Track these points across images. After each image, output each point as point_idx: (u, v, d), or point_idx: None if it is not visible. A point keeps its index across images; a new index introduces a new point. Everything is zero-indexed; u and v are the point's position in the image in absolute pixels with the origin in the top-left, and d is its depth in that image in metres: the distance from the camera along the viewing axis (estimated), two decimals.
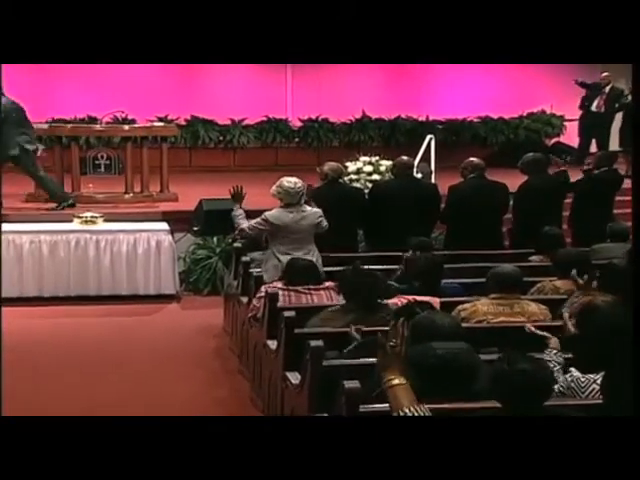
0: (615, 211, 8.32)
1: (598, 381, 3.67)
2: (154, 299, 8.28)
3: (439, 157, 10.51)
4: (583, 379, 3.81)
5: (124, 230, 8.37)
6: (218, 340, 7.31)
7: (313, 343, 4.42)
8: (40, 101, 11.00)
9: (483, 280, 5.32)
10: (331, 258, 6.68)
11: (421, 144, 10.45)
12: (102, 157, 9.67)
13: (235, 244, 7.57)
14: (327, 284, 5.78)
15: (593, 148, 12.35)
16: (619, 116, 12.32)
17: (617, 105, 12.23)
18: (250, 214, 6.85)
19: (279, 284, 5.83)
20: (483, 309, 5.04)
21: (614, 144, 12.15)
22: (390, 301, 5.14)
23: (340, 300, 5.22)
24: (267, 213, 6.60)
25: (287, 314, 5.06)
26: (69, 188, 9.55)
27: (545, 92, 13.64)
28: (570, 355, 4.14)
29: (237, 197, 6.89)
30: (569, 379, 3.87)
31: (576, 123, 13.03)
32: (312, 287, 5.74)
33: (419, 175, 9.28)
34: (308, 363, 4.43)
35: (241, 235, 6.93)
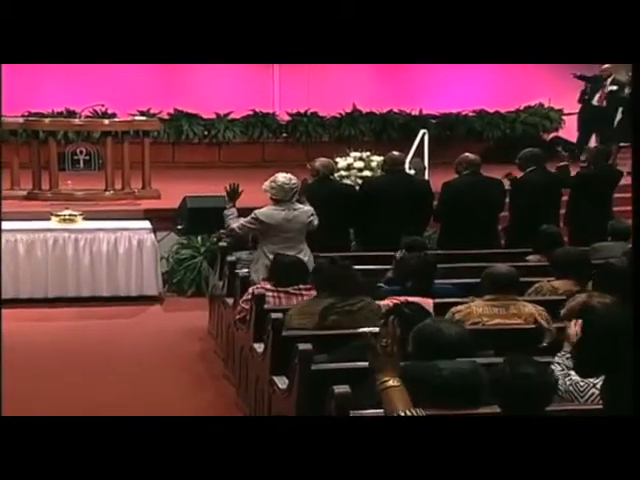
0: (615, 209, 8.35)
1: (597, 385, 3.68)
2: (136, 301, 8.27)
3: (433, 152, 10.53)
4: (582, 383, 3.83)
5: (104, 229, 8.35)
6: (203, 343, 7.30)
7: (301, 346, 4.43)
8: (16, 94, 10.96)
9: (478, 280, 5.34)
10: (322, 258, 6.69)
11: (414, 139, 10.46)
12: (81, 152, 9.66)
13: (220, 243, 7.57)
14: None
15: (593, 143, 12.39)
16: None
17: (614, 98, 12.29)
18: (237, 212, 6.85)
19: (268, 285, 5.83)
20: (478, 311, 5.05)
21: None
22: (381, 302, 5.16)
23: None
24: (257, 211, 6.60)
25: (274, 316, 5.06)
26: (46, 185, 9.54)
27: (543, 85, 13.68)
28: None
29: (232, 195, 6.89)
30: (568, 383, 3.89)
31: (575, 117, 13.08)
32: (303, 287, 5.74)
33: (412, 171, 9.30)
34: (296, 367, 4.43)
35: (231, 235, 6.93)
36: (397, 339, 3.20)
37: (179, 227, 8.86)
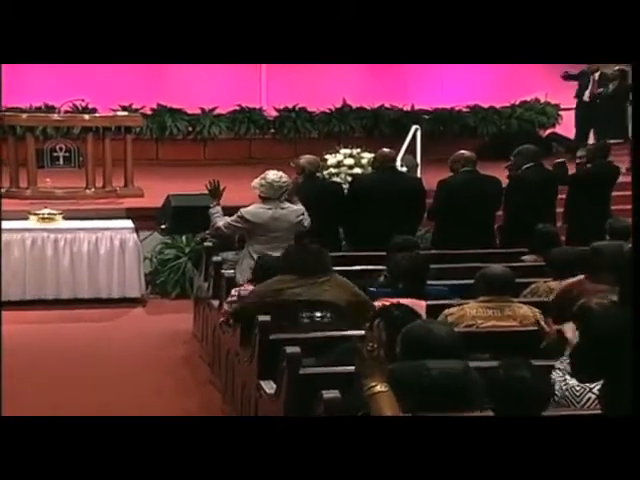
0: (614, 207, 8.38)
1: (594, 390, 3.70)
2: (118, 303, 8.27)
3: (425, 149, 10.55)
4: (578, 388, 3.84)
5: (85, 228, 8.34)
6: (187, 347, 7.31)
7: (289, 350, 4.44)
8: None
9: (472, 281, 5.35)
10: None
11: (406, 135, 10.48)
12: (60, 149, 9.65)
13: (205, 243, 7.57)
14: None
15: (592, 140, 12.45)
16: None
17: (601, 93, 12.40)
18: (223, 211, 6.85)
19: (253, 286, 5.83)
20: (472, 313, 5.07)
21: None
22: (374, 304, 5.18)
23: None
24: (243, 210, 6.60)
25: (261, 318, 5.06)
26: (24, 183, 9.51)
27: (539, 79, 13.71)
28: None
29: (214, 193, 6.88)
30: (564, 387, 3.90)
31: (573, 112, 13.13)
32: None
33: (404, 168, 9.32)
34: (284, 371, 4.44)
35: (217, 234, 6.92)
36: (383, 343, 3.21)
37: (163, 226, 8.85)
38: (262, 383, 4.86)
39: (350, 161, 9.44)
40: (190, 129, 12.90)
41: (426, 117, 13.17)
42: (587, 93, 12.53)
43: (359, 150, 9.62)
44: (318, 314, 5.16)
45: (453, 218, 7.69)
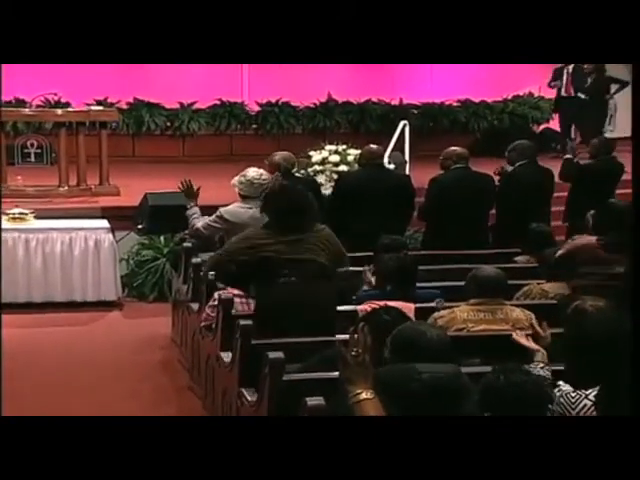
0: None
1: (590, 396, 3.71)
2: (93, 307, 8.26)
3: (414, 145, 10.58)
4: (574, 394, 3.85)
5: (58, 228, 8.33)
6: (166, 352, 7.30)
7: (272, 355, 4.45)
8: None
9: (463, 283, 5.37)
10: None
11: (394, 131, 10.51)
12: (32, 145, 9.63)
13: (185, 244, 7.55)
14: None
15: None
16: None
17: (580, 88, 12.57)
18: (202, 211, 6.85)
19: (235, 290, 5.83)
20: (462, 316, 5.08)
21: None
22: (359, 307, 5.18)
23: None
24: (222, 209, 6.60)
25: (243, 322, 5.07)
26: None
27: (532, 72, 13.75)
28: (560, 367, 4.19)
29: (189, 193, 6.91)
30: (558, 394, 3.91)
31: None
32: None
33: (391, 166, 9.33)
34: (266, 378, 4.45)
35: (196, 235, 6.93)
36: (368, 348, 3.21)
37: (140, 226, 8.83)
38: (244, 390, 4.87)
39: (336, 158, 9.46)
40: (168, 124, 12.90)
41: (415, 112, 13.20)
42: (563, 88, 12.69)
43: (345, 146, 9.64)
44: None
45: (445, 217, 7.71)
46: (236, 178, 6.61)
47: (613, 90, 12.72)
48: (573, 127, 12.96)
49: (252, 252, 5.53)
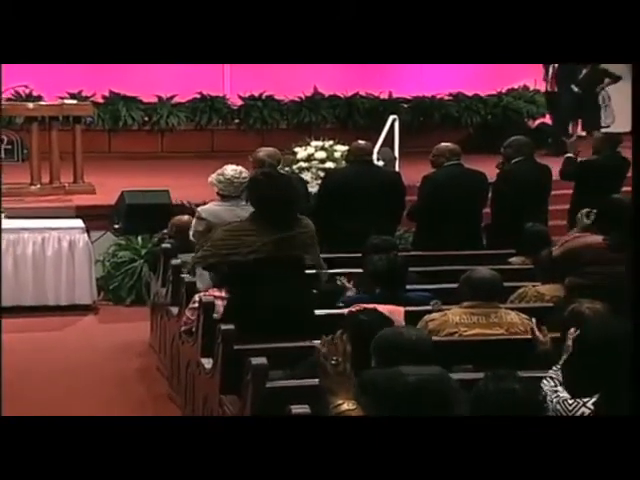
0: None
1: (588, 404, 3.72)
2: (66, 311, 8.25)
3: (404, 141, 10.60)
4: (571, 401, 3.86)
5: (30, 228, 8.31)
6: (143, 359, 7.30)
7: (255, 361, 4.45)
8: None
9: (456, 286, 5.37)
10: None
11: (383, 126, 10.52)
12: (2, 141, 9.61)
13: (163, 245, 7.54)
14: None
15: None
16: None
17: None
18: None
19: (216, 292, 5.82)
20: (455, 319, 5.08)
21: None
22: (346, 311, 5.18)
23: None
24: (200, 208, 6.58)
25: (225, 327, 5.07)
26: None
27: (527, 65, 13.75)
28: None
29: None
30: (555, 400, 3.92)
31: None
32: None
33: (380, 162, 9.34)
34: (249, 384, 4.45)
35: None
36: (349, 356, 3.21)
37: (116, 226, 8.83)
38: (225, 398, 4.86)
39: (322, 154, 9.45)
40: (146, 119, 12.88)
41: (405, 106, 13.23)
42: (548, 84, 12.84)
43: (332, 142, 9.64)
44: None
45: (437, 216, 7.71)
46: (213, 176, 6.57)
47: (604, 83, 12.86)
48: (571, 124, 13.00)
49: (239, 250, 5.43)
